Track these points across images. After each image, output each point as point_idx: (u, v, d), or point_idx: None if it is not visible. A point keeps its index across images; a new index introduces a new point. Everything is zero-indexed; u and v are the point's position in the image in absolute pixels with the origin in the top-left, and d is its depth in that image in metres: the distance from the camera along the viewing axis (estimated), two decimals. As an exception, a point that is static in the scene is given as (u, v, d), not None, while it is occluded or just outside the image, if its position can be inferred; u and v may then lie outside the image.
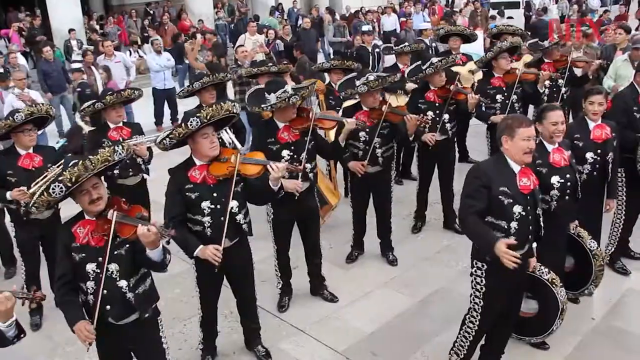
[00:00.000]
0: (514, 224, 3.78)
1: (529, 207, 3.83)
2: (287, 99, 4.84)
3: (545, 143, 4.48)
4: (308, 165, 5.12)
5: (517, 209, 3.77)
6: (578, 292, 5.10)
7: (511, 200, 3.76)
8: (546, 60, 7.74)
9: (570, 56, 7.63)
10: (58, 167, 5.00)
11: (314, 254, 5.54)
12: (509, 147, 3.80)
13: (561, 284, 4.35)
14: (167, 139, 3.99)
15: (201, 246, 4.09)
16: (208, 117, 3.92)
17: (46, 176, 4.91)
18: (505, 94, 6.70)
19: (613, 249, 5.84)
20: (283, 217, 5.25)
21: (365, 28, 12.43)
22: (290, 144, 5.01)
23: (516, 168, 3.84)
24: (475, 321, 4.13)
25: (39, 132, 5.67)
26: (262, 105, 4.99)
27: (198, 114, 3.90)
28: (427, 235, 6.87)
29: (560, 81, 7.47)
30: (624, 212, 5.75)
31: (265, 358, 4.76)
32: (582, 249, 4.90)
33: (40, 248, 5.50)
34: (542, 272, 4.33)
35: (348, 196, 6.25)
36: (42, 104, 5.90)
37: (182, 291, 5.75)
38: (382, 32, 18.08)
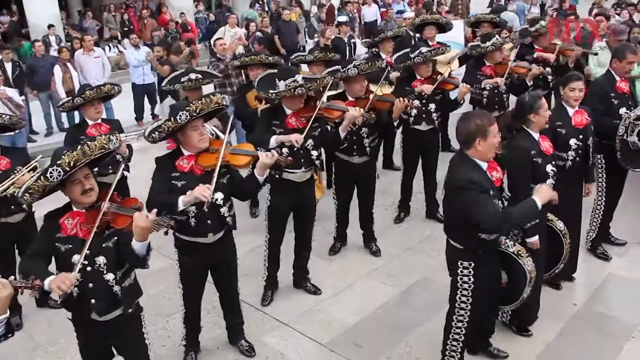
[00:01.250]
0: None
1: (501, 200, 3.89)
2: (293, 89, 4.84)
3: (532, 133, 4.48)
4: (314, 153, 5.12)
5: (499, 204, 3.80)
6: (549, 273, 5.10)
7: (496, 200, 3.77)
8: (537, 47, 7.75)
9: (558, 44, 7.69)
10: (26, 169, 4.97)
11: (304, 246, 5.53)
12: (482, 148, 3.73)
13: (527, 255, 4.32)
14: (157, 133, 3.98)
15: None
16: (198, 110, 3.90)
17: (13, 178, 4.88)
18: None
19: (594, 235, 5.88)
20: (281, 206, 5.23)
21: (341, 19, 12.36)
22: (297, 130, 4.97)
23: (484, 165, 3.81)
24: (465, 319, 4.09)
25: (13, 132, 5.56)
26: (271, 91, 4.96)
27: (187, 107, 3.88)
28: (410, 225, 6.88)
29: (548, 69, 7.51)
30: (604, 199, 5.79)
31: (248, 352, 4.74)
32: (552, 231, 4.91)
33: (16, 252, 5.36)
34: (508, 246, 4.29)
35: (331, 188, 6.23)
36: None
37: (165, 287, 5.71)
38: (363, 23, 18.03)
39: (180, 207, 3.95)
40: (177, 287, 4.60)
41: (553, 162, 4.52)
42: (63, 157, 3.16)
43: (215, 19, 18.82)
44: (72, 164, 3.17)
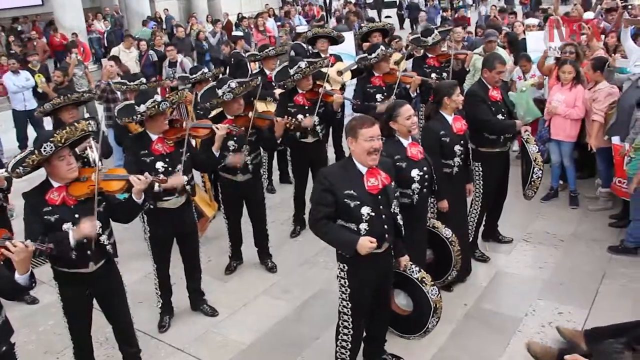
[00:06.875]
0: (363, 225, 3.81)
1: (380, 207, 3.87)
2: (157, 105, 4.74)
3: (401, 139, 4.60)
4: (185, 177, 5.01)
5: (366, 210, 3.80)
6: (442, 280, 5.25)
7: (358, 202, 3.78)
8: (430, 55, 7.95)
9: (452, 50, 7.95)
10: None
11: (194, 268, 5.45)
12: (355, 148, 3.85)
13: (432, 283, 4.42)
14: (21, 167, 3.76)
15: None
16: (63, 141, 3.74)
17: None
18: (386, 93, 6.87)
19: (471, 239, 5.97)
20: (161, 233, 5.13)
21: (236, 33, 12.36)
22: (165, 156, 4.89)
23: (363, 169, 3.87)
24: (349, 325, 4.13)
25: None
26: (133, 116, 4.83)
27: (52, 138, 3.70)
28: (306, 238, 6.86)
29: (445, 74, 7.73)
30: (480, 204, 5.96)
31: (144, 382, 4.60)
32: (439, 239, 5.06)
33: None
34: (413, 271, 4.39)
35: (220, 207, 6.18)
36: None
37: (56, 322, 5.42)
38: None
39: (73, 245, 3.81)
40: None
41: (424, 168, 4.61)
42: None
43: (108, 37, 18.26)
44: None
